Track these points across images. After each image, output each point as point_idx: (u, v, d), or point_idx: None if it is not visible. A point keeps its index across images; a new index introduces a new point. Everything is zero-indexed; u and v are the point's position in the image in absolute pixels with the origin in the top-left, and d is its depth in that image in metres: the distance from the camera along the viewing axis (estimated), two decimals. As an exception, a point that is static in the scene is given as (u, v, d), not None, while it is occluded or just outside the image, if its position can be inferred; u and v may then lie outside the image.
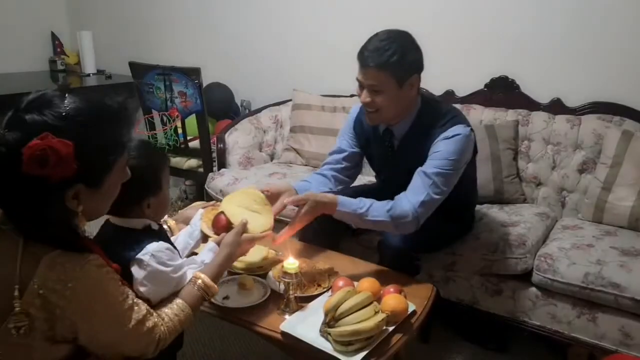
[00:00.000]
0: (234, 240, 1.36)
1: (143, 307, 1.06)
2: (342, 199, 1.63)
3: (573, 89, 2.44)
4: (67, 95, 0.95)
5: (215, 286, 1.25)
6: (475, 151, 1.81)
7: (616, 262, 1.80)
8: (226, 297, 1.53)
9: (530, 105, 2.50)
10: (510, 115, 2.47)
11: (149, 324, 1.06)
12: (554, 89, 2.48)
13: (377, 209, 1.63)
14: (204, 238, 1.50)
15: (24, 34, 3.90)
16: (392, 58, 1.60)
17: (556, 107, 2.45)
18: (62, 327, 0.94)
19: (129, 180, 1.09)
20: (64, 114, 0.91)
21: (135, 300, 1.05)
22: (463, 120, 1.74)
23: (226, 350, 2.07)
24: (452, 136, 1.67)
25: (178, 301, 1.16)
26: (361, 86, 1.69)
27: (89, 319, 0.96)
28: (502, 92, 2.58)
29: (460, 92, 2.69)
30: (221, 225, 1.47)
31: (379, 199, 1.68)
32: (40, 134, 0.87)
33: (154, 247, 1.20)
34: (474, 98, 2.63)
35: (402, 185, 1.72)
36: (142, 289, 1.15)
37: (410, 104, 1.75)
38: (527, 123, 2.42)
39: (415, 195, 1.64)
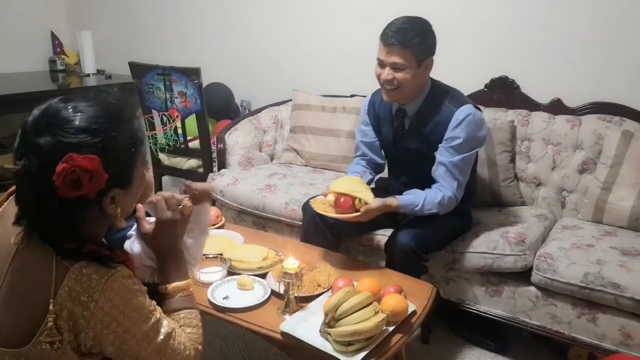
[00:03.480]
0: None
1: (172, 323, 1.04)
2: (402, 201, 1.86)
3: (573, 89, 2.44)
4: (69, 104, 0.92)
5: (189, 280, 1.16)
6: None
7: (616, 262, 1.80)
8: (226, 297, 1.54)
9: (530, 105, 2.50)
10: (510, 115, 2.47)
11: (180, 339, 1.03)
12: (554, 89, 2.48)
13: (429, 203, 1.86)
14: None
15: (24, 34, 3.90)
16: (414, 39, 1.79)
17: (556, 107, 2.45)
18: (85, 337, 0.91)
19: None
20: (76, 128, 0.89)
21: (163, 315, 1.03)
22: (468, 101, 1.92)
23: (226, 350, 2.07)
24: (463, 119, 1.84)
25: (181, 314, 1.10)
26: (382, 65, 1.86)
27: (114, 330, 0.93)
28: (502, 92, 2.58)
29: (460, 92, 2.69)
30: (348, 206, 1.76)
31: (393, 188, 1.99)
32: (62, 157, 0.86)
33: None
34: (474, 98, 2.62)
35: (408, 167, 2.02)
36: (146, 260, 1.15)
37: (424, 84, 1.92)
38: (527, 123, 2.42)
39: (449, 183, 1.87)
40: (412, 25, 1.81)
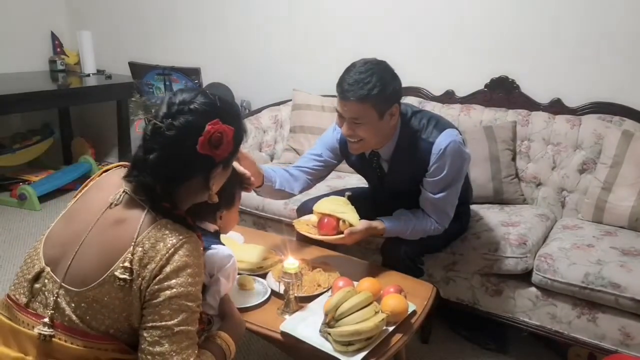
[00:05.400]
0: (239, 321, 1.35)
1: (195, 336, 1.06)
2: (389, 227, 1.76)
3: (573, 89, 2.44)
4: (206, 92, 1.12)
5: (234, 347, 1.24)
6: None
7: (616, 262, 1.80)
8: (226, 297, 1.53)
9: (530, 105, 2.50)
10: (510, 115, 2.47)
11: (191, 350, 1.04)
12: (554, 89, 2.48)
13: (417, 231, 1.78)
14: None
15: (24, 34, 3.90)
16: (372, 91, 1.58)
17: (556, 107, 2.45)
18: (147, 282, 1.00)
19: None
20: (219, 105, 1.10)
21: (197, 325, 1.07)
22: (446, 124, 1.74)
23: (226, 350, 2.07)
24: (444, 149, 1.67)
25: (208, 354, 1.12)
26: (341, 117, 1.68)
27: (171, 280, 1.01)
28: (502, 92, 2.58)
29: (460, 92, 2.69)
30: (332, 227, 1.69)
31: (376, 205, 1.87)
32: (210, 121, 1.05)
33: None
34: (474, 98, 2.63)
35: (397, 203, 1.85)
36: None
37: (391, 130, 1.73)
38: (527, 123, 2.42)
39: (438, 216, 1.78)
40: (369, 76, 1.58)
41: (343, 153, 1.90)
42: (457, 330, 2.19)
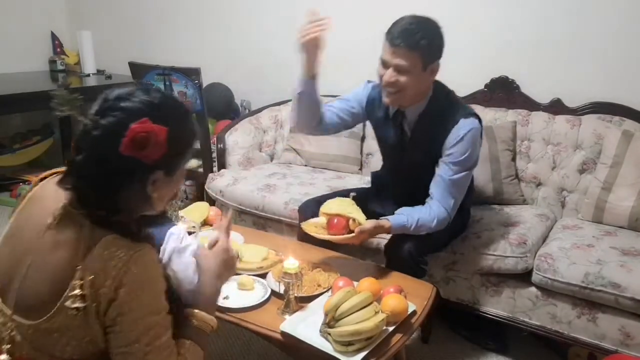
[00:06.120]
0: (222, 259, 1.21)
1: (172, 342, 1.02)
2: (395, 224, 1.77)
3: (573, 89, 2.44)
4: (149, 89, 1.03)
5: (213, 319, 1.15)
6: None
7: (616, 262, 1.80)
8: (226, 297, 1.53)
9: (530, 105, 2.50)
10: (510, 115, 2.47)
11: (169, 346, 1.01)
12: (554, 89, 2.48)
13: (422, 225, 1.78)
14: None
15: (24, 34, 3.90)
16: (422, 41, 1.67)
17: (556, 107, 2.45)
18: (106, 309, 0.94)
19: None
20: (155, 103, 0.99)
21: (170, 331, 1.02)
22: (471, 112, 1.81)
23: (226, 349, 2.07)
24: (463, 136, 1.74)
25: (187, 343, 1.08)
26: (385, 65, 1.74)
27: (129, 304, 0.94)
28: (502, 92, 2.58)
29: (460, 92, 2.68)
30: (342, 226, 1.70)
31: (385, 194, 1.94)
32: (138, 120, 0.94)
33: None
34: (474, 98, 2.63)
35: (408, 175, 1.91)
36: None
37: (427, 89, 1.81)
38: (527, 123, 2.42)
39: (446, 201, 1.79)
40: (420, 27, 1.69)
41: (368, 110, 1.97)
42: (457, 330, 2.19)
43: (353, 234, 1.69)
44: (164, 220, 1.29)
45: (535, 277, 1.89)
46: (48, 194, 1.05)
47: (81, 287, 0.93)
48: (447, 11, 2.68)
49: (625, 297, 1.72)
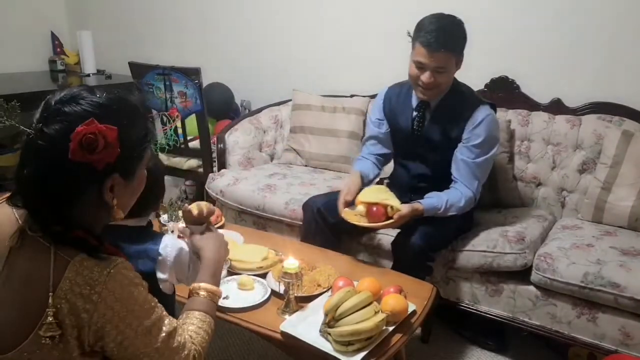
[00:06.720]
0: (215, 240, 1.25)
1: (174, 321, 1.02)
2: (426, 205, 1.88)
3: (573, 89, 2.44)
4: (96, 89, 0.96)
5: (219, 289, 1.18)
6: None
7: (616, 262, 1.80)
8: (226, 297, 1.54)
9: (530, 105, 2.50)
10: (510, 115, 2.47)
11: (180, 339, 1.00)
12: (554, 89, 2.48)
13: (452, 206, 1.89)
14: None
15: (24, 34, 3.90)
16: (458, 42, 1.84)
17: (556, 107, 2.45)
18: (88, 333, 0.90)
19: None
20: (101, 102, 0.92)
21: (165, 313, 1.01)
22: (485, 101, 1.97)
23: (226, 349, 2.07)
24: (482, 120, 1.88)
25: (195, 313, 1.09)
26: (422, 67, 1.84)
27: (117, 325, 0.91)
28: (502, 92, 2.58)
29: (460, 92, 2.69)
30: (381, 214, 1.82)
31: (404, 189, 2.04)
32: (84, 122, 0.87)
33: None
34: (474, 98, 2.63)
35: (424, 159, 2.01)
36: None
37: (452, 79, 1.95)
38: (527, 123, 2.42)
39: (470, 182, 1.92)
40: (452, 27, 1.83)
41: (386, 108, 2.10)
42: (457, 330, 2.19)
43: (392, 220, 1.80)
44: (152, 232, 1.27)
45: (534, 277, 1.89)
46: (4, 218, 0.98)
47: (54, 314, 0.88)
48: (447, 11, 2.68)
49: (624, 296, 1.72)
